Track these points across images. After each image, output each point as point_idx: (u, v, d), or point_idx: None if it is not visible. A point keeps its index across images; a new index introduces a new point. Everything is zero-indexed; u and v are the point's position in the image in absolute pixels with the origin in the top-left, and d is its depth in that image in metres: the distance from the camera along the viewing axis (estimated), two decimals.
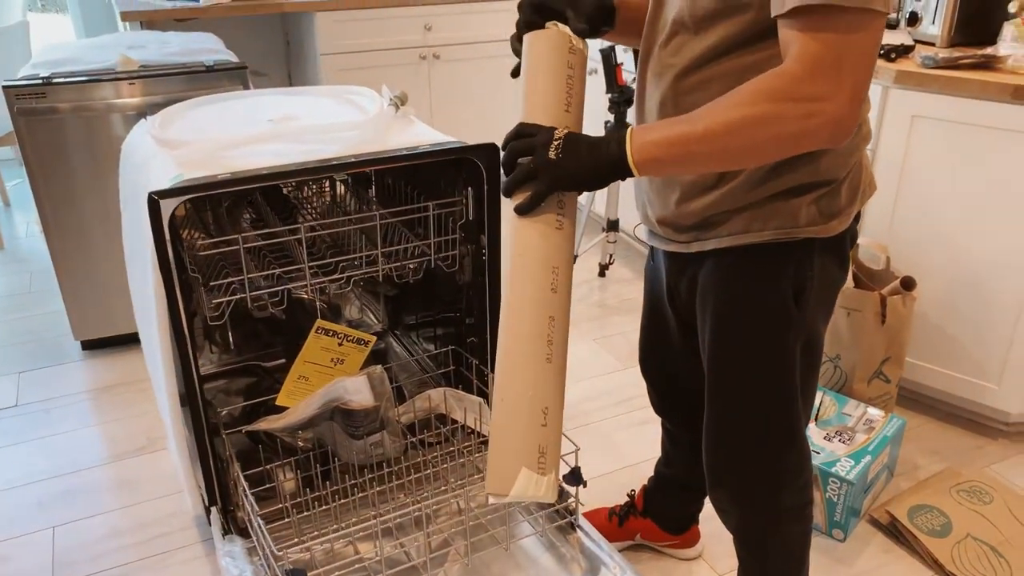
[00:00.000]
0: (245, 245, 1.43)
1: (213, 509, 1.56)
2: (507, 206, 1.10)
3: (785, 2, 0.90)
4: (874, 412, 1.95)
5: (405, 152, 1.45)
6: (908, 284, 2.00)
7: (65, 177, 2.26)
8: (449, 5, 3.41)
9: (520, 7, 1.14)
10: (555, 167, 0.99)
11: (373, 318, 2.26)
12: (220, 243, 1.43)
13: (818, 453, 1.81)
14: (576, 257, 3.05)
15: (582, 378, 2.42)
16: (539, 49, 1.08)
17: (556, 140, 0.99)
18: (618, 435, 2.16)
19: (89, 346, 2.53)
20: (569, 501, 1.49)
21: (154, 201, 1.28)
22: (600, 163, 0.98)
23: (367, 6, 3.23)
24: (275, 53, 3.82)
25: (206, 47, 2.49)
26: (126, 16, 2.92)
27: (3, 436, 2.16)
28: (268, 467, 1.58)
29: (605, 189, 2.75)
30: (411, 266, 1.64)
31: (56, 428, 2.20)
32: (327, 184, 1.98)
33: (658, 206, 1.18)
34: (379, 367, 1.51)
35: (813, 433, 1.88)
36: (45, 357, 2.52)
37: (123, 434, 2.17)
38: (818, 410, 1.95)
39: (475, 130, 3.68)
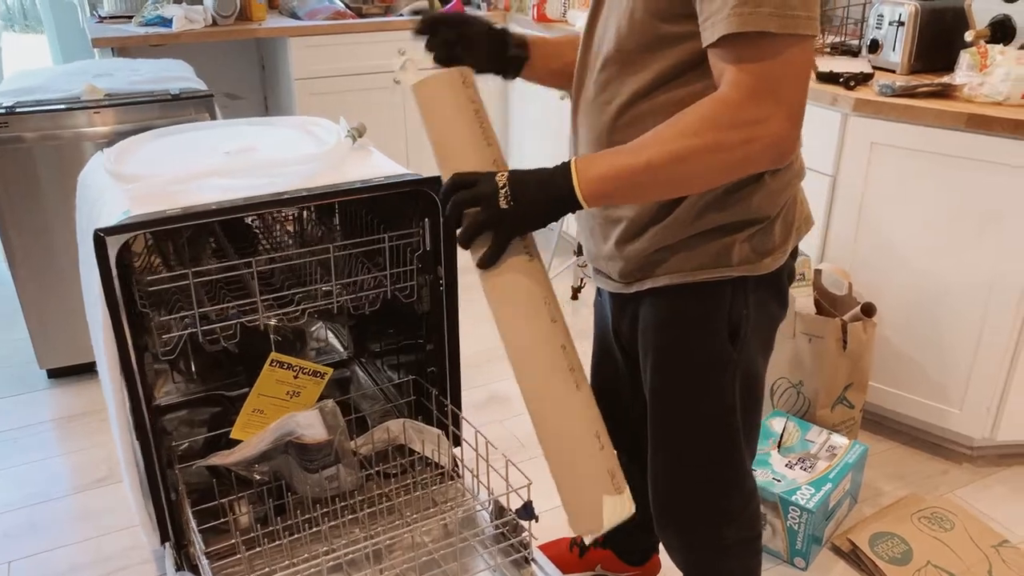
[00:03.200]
0: (196, 279, 1.42)
1: (166, 544, 1.54)
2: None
3: (714, 32, 0.91)
4: (837, 439, 1.95)
5: (356, 185, 1.45)
6: (868, 310, 2.01)
7: (29, 206, 2.26)
8: None
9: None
10: (510, 215, 0.98)
11: (339, 346, 2.25)
12: (168, 278, 1.43)
13: (779, 481, 1.81)
14: None
15: None
16: (439, 97, 1.07)
17: (503, 187, 0.98)
18: None
19: (55, 374, 2.52)
20: (523, 535, 1.48)
21: (100, 238, 1.27)
22: (551, 200, 0.98)
23: (340, 31, 3.25)
24: (251, 77, 3.83)
25: (175, 75, 2.49)
26: (97, 43, 2.92)
27: None
28: (223, 501, 1.57)
29: None
30: (368, 297, 1.63)
31: (20, 458, 2.18)
32: (291, 214, 1.98)
33: (598, 246, 1.19)
34: (331, 401, 1.50)
35: (775, 460, 1.88)
36: (11, 385, 2.50)
37: (86, 464, 2.16)
38: (781, 437, 1.95)
39: None
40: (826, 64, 2.15)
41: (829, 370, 2.01)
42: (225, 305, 1.50)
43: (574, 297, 3.03)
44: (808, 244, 2.20)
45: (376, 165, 1.58)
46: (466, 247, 1.03)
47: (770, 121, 0.90)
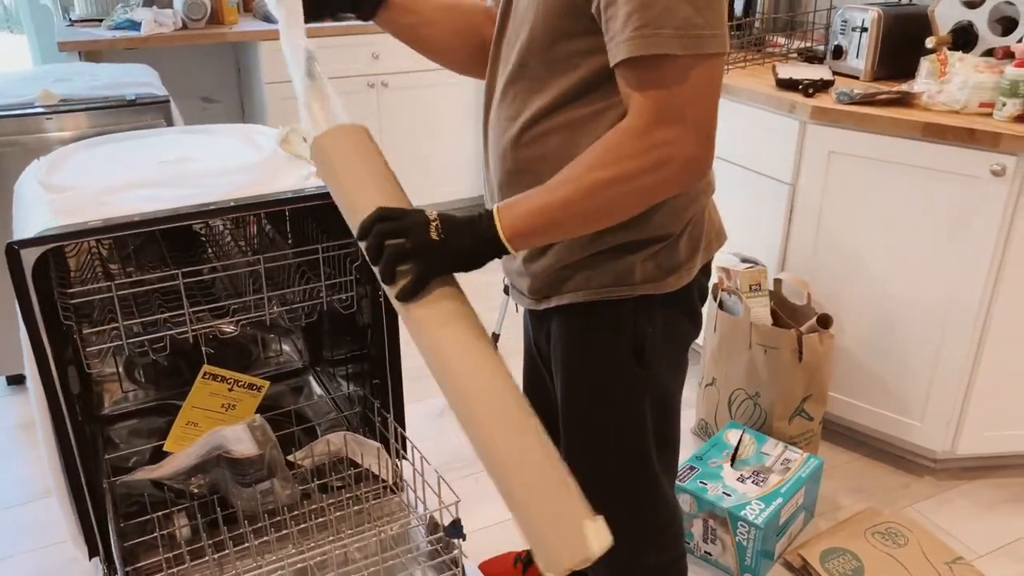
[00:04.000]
0: (121, 291, 1.40)
1: (95, 559, 1.52)
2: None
3: (618, 51, 0.89)
4: (792, 452, 1.92)
5: (281, 196, 1.43)
6: (824, 322, 1.98)
7: None
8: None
9: None
10: (440, 247, 0.93)
11: (295, 354, 2.23)
12: (89, 291, 1.40)
13: (729, 495, 1.78)
14: None
15: None
16: (346, 145, 1.03)
17: (434, 220, 0.94)
18: None
19: (14, 381, 2.50)
20: (454, 553, 1.46)
21: (13, 251, 1.25)
22: (478, 243, 0.94)
23: (313, 36, 3.21)
24: (228, 81, 3.82)
25: (136, 80, 2.47)
26: (64, 46, 2.90)
27: None
28: (156, 515, 1.54)
29: None
30: (304, 309, 1.61)
31: None
32: (238, 223, 1.96)
33: (510, 261, 1.17)
34: (259, 416, 1.48)
35: (727, 474, 1.85)
36: None
37: (37, 474, 2.14)
38: (736, 449, 1.92)
39: (426, 156, 3.67)
40: (787, 71, 2.12)
41: (785, 381, 1.98)
42: (154, 317, 1.47)
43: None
44: (768, 254, 2.17)
45: (308, 177, 1.56)
46: (389, 280, 0.95)
47: (678, 143, 0.89)
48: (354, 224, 0.98)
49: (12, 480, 2.12)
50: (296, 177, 1.55)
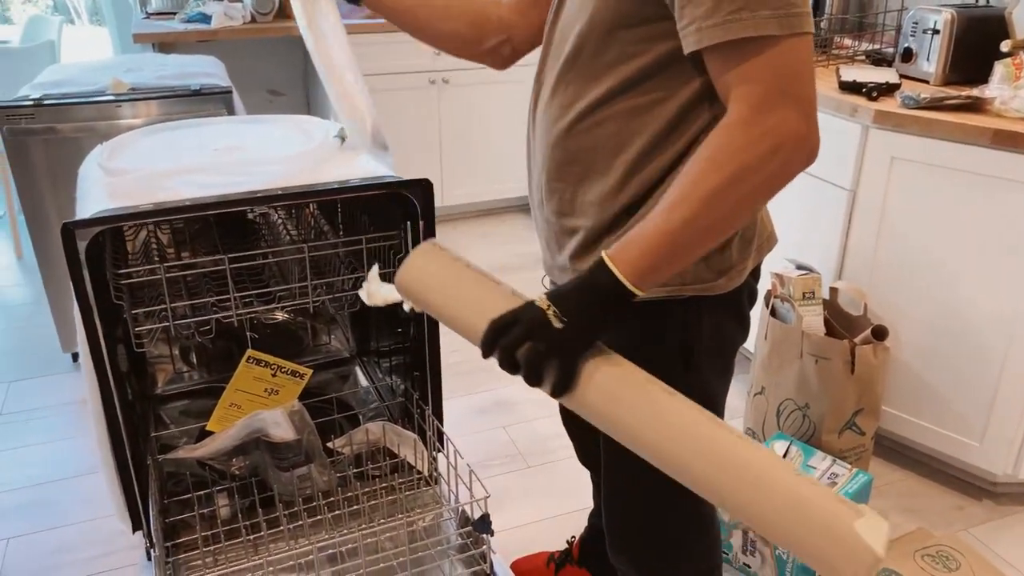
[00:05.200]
0: (170, 274, 1.44)
1: (139, 532, 1.57)
2: None
3: (704, 37, 0.86)
4: (840, 467, 1.86)
5: (326, 187, 1.45)
6: (880, 333, 1.91)
7: (56, 194, 2.33)
8: None
9: None
10: (570, 332, 0.88)
11: (343, 343, 2.26)
12: (140, 272, 1.45)
13: None
14: None
15: (553, 413, 2.38)
16: (426, 269, 0.99)
17: (549, 308, 0.88)
18: (584, 476, 2.11)
19: (77, 358, 2.60)
20: (483, 548, 1.46)
21: (68, 232, 1.30)
22: (602, 303, 0.89)
23: (375, 31, 3.27)
24: (295, 74, 3.90)
25: (202, 71, 2.54)
26: (139, 38, 3.01)
27: None
28: (197, 494, 1.58)
29: None
30: (348, 298, 1.63)
31: (32, 439, 2.25)
32: (291, 211, 1.99)
33: (553, 257, 1.15)
34: (297, 402, 1.50)
35: None
36: (36, 368, 2.59)
37: (92, 449, 2.22)
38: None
39: (482, 152, 3.68)
40: (851, 73, 2.05)
41: (836, 394, 1.91)
42: (201, 300, 1.51)
43: None
44: (824, 261, 2.11)
45: (358, 166, 1.57)
46: (538, 384, 0.91)
47: (788, 125, 0.85)
48: (476, 342, 0.94)
49: (72, 452, 2.20)
50: (344, 167, 1.57)
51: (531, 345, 0.87)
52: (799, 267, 2.01)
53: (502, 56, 1.23)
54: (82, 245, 1.32)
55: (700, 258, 1.03)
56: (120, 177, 1.49)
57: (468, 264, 0.99)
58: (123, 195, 1.40)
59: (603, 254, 0.90)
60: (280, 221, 2.02)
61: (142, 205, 1.35)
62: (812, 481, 0.83)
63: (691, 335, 1.07)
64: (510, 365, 0.89)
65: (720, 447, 0.85)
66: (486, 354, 0.90)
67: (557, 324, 0.88)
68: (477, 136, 3.64)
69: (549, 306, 0.89)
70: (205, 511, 1.58)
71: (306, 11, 1.32)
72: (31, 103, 2.20)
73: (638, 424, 0.89)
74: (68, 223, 1.30)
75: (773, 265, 2.08)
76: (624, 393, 0.89)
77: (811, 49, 0.87)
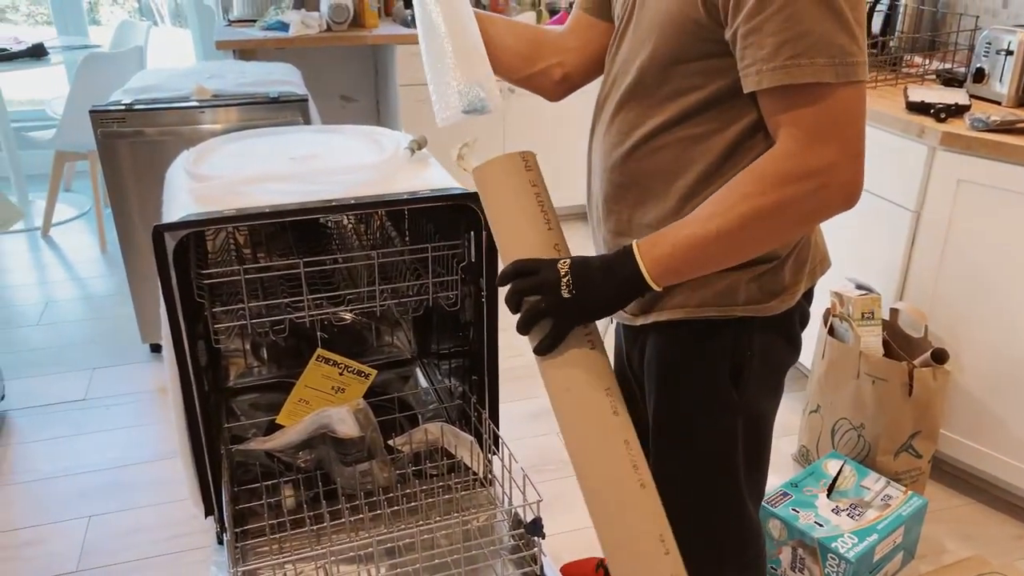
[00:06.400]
0: (247, 275, 1.53)
1: (211, 518, 1.66)
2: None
3: (763, 79, 0.90)
4: (894, 489, 1.85)
5: (396, 197, 1.52)
6: (939, 357, 1.89)
7: (142, 193, 2.47)
8: None
9: None
10: (572, 304, 0.96)
11: (405, 344, 2.34)
12: (220, 273, 1.54)
13: (822, 526, 1.74)
14: None
15: None
16: (499, 181, 1.05)
17: (565, 276, 0.96)
18: None
19: (156, 349, 2.74)
20: (534, 550, 1.50)
21: (158, 234, 1.39)
22: (617, 287, 0.96)
23: None
24: (366, 81, 4.01)
25: (280, 78, 2.66)
26: (220, 45, 3.15)
27: (67, 427, 2.37)
28: (265, 484, 1.67)
29: None
30: (412, 303, 1.70)
31: (113, 424, 2.39)
32: (360, 217, 2.08)
33: None
34: (362, 400, 1.57)
35: (822, 504, 1.81)
36: (116, 356, 2.74)
37: (169, 435, 2.34)
38: (835, 480, 1.87)
39: (548, 161, 3.73)
40: (920, 93, 2.04)
41: (893, 416, 1.91)
42: (276, 301, 1.60)
43: None
44: (885, 281, 2.10)
45: (426, 178, 1.64)
46: (524, 333, 1.00)
47: (836, 167, 0.89)
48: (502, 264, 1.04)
49: (150, 438, 2.33)
50: (414, 179, 1.64)
51: (536, 299, 0.96)
52: (859, 287, 2.01)
53: (553, 80, 1.26)
54: (170, 246, 1.41)
55: (752, 279, 1.06)
56: (205, 182, 1.59)
57: (539, 194, 1.05)
58: (208, 200, 1.50)
59: (633, 243, 0.96)
60: (350, 226, 2.10)
61: (225, 210, 1.44)
62: (666, 552, 0.97)
63: (742, 355, 1.10)
64: (514, 305, 0.98)
65: (622, 487, 0.97)
66: (500, 285, 1.00)
67: (565, 294, 0.95)
68: (539, 145, 3.69)
69: (567, 274, 0.96)
70: (272, 500, 1.67)
71: None
72: (123, 108, 2.34)
73: (566, 429, 1.00)
74: (159, 226, 1.39)
75: (833, 283, 2.08)
76: (578, 386, 0.99)
77: (864, 97, 0.90)
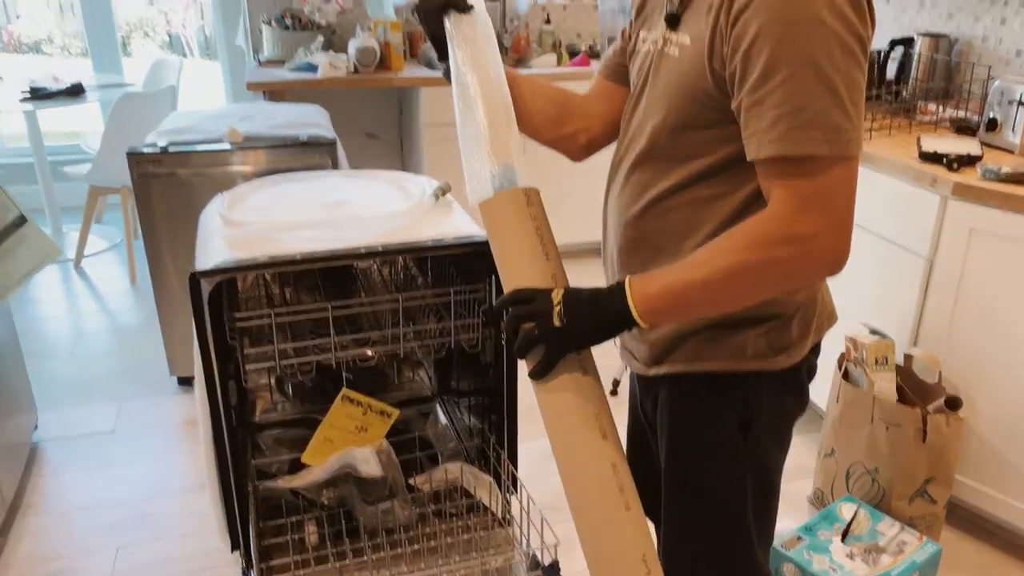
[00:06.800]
0: (277, 319, 1.59)
1: (237, 552, 1.71)
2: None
3: (761, 149, 0.95)
4: (909, 534, 1.87)
5: (422, 244, 1.58)
6: (953, 404, 1.92)
7: (175, 231, 2.55)
8: (550, 81, 3.56)
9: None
10: (563, 333, 1.01)
11: (426, 382, 2.39)
12: (252, 316, 1.60)
13: (836, 571, 1.76)
14: None
15: None
16: (501, 214, 1.11)
17: (556, 305, 1.01)
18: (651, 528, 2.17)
19: (184, 382, 2.81)
20: None
21: (195, 280, 1.46)
22: (605, 320, 1.01)
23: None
24: (390, 119, 4.11)
25: (309, 120, 2.75)
26: (251, 86, 3.25)
27: (96, 458, 2.44)
28: (290, 520, 1.72)
29: None
30: (434, 345, 1.75)
31: (141, 456, 2.45)
32: (386, 261, 2.14)
33: None
34: (385, 441, 1.62)
35: (836, 548, 1.83)
36: (144, 388, 2.81)
37: (195, 467, 2.40)
38: (849, 524, 1.89)
39: (562, 197, 3.79)
40: (932, 143, 2.08)
41: (907, 461, 1.93)
42: (305, 343, 1.66)
43: (613, 392, 2.91)
44: (899, 327, 2.12)
45: (450, 224, 1.70)
46: (521, 358, 1.07)
47: (820, 236, 0.93)
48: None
49: (176, 470, 2.39)
50: (438, 225, 1.70)
51: (531, 326, 1.01)
52: (873, 331, 2.04)
53: (578, 144, 1.32)
54: (206, 291, 1.48)
55: (761, 335, 1.10)
56: (239, 228, 1.65)
57: (539, 227, 1.11)
58: (242, 245, 1.56)
59: (626, 278, 1.01)
60: (376, 267, 2.17)
61: (259, 257, 1.51)
62: (648, 573, 1.01)
63: (751, 408, 1.14)
64: (512, 331, 1.04)
65: (607, 507, 1.03)
66: (497, 314, 1.06)
67: (556, 322, 1.01)
68: (554, 180, 3.75)
69: (559, 303, 1.01)
70: (296, 537, 1.72)
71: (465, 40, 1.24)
72: (159, 150, 2.43)
73: (558, 452, 1.05)
74: (196, 272, 1.46)
75: (847, 328, 2.12)
76: (569, 410, 1.04)
77: (855, 172, 0.94)
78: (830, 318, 1.18)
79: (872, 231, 2.20)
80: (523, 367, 1.10)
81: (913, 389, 2.04)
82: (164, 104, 3.53)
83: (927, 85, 2.55)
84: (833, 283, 1.18)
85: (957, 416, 1.92)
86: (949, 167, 1.99)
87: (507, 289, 1.09)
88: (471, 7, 1.20)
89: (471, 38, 1.19)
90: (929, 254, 2.02)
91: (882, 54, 2.63)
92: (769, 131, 0.93)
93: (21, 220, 2.15)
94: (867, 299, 2.23)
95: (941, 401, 1.92)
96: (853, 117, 0.92)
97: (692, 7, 1.04)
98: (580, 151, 1.34)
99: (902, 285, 2.12)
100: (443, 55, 1.24)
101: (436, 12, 1.21)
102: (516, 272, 1.09)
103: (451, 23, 1.21)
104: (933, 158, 2.03)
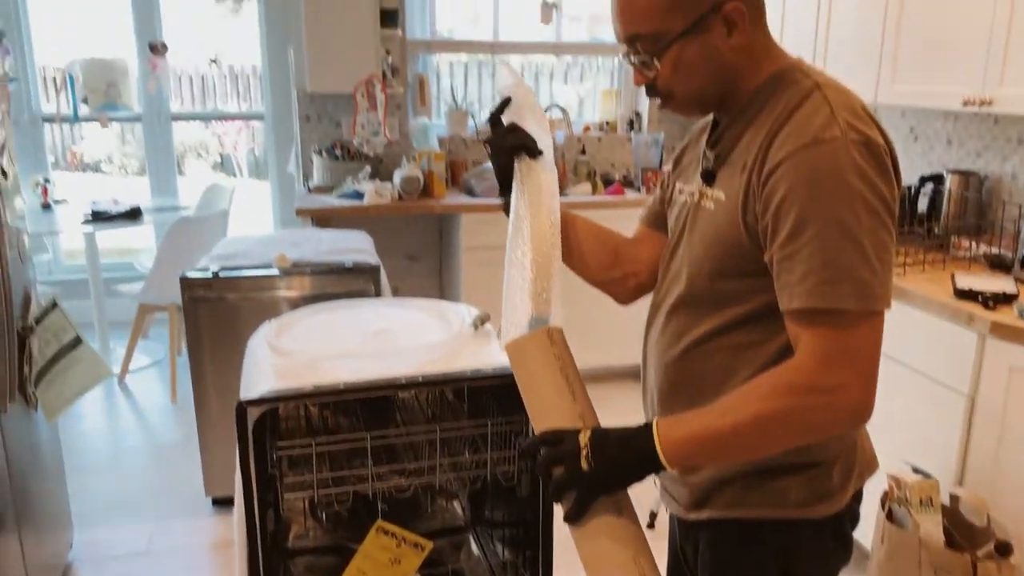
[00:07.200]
0: (318, 449, 1.62)
1: None
2: None
3: (792, 300, 0.99)
4: None
5: (460, 375, 1.62)
6: (1004, 549, 1.85)
7: (222, 354, 2.62)
8: (585, 208, 3.68)
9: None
10: (591, 477, 1.01)
11: (459, 512, 2.37)
12: (295, 446, 1.63)
13: None
14: None
15: None
16: (526, 356, 1.14)
17: (584, 447, 1.01)
18: None
19: (219, 503, 2.81)
20: None
21: (241, 408, 1.50)
22: (633, 462, 1.01)
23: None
24: (431, 242, 4.25)
25: (354, 246, 2.85)
26: (300, 213, 3.40)
27: None
28: None
29: None
30: (470, 476, 1.75)
31: None
32: (425, 392, 2.17)
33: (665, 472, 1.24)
34: (418, 575, 1.60)
35: None
36: (180, 508, 2.82)
37: None
38: None
39: (598, 320, 3.82)
40: (967, 280, 2.10)
41: None
42: (342, 473, 1.67)
43: (650, 526, 2.86)
44: (943, 466, 2.08)
45: (488, 354, 1.74)
46: (556, 502, 1.06)
47: (846, 388, 0.95)
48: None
49: None
50: (477, 355, 1.74)
51: (560, 470, 1.01)
52: (916, 470, 2.00)
53: (626, 289, 1.37)
54: (252, 419, 1.52)
55: (802, 482, 1.10)
56: (285, 357, 1.71)
57: (564, 367, 1.11)
58: (288, 375, 1.61)
59: (654, 421, 1.02)
60: (414, 395, 2.20)
61: (304, 387, 1.55)
62: None
63: (792, 557, 1.13)
64: (544, 475, 1.04)
65: None
66: (526, 457, 1.03)
67: (584, 466, 1.00)
68: (590, 303, 3.80)
69: (586, 445, 1.01)
70: None
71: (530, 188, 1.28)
72: (210, 276, 2.53)
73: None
74: (243, 401, 1.50)
75: (889, 466, 2.08)
76: (606, 557, 1.02)
77: (881, 327, 0.97)
78: (871, 465, 1.18)
79: (910, 367, 2.19)
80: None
81: (961, 532, 1.97)
82: (216, 227, 3.69)
83: (959, 222, 2.59)
84: (873, 420, 1.19)
85: (1009, 563, 1.84)
86: (985, 305, 2.00)
87: (536, 430, 1.10)
88: (541, 152, 1.27)
89: (536, 184, 1.25)
90: (970, 391, 2.00)
91: (912, 189, 2.69)
92: (799, 284, 0.97)
93: (76, 341, 2.23)
94: (908, 436, 2.19)
95: (991, 546, 1.86)
96: (880, 273, 0.96)
97: (727, 165, 1.10)
98: (627, 295, 1.38)
99: (944, 423, 2.09)
100: (505, 189, 1.30)
101: (508, 151, 1.27)
102: (544, 413, 1.10)
103: (520, 165, 1.27)
104: (968, 295, 2.05)
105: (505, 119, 1.30)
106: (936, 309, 2.09)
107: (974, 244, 2.49)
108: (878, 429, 1.23)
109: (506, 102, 1.31)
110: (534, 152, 1.27)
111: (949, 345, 2.05)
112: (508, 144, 1.27)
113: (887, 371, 1.11)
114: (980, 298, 2.02)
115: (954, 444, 2.05)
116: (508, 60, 4.43)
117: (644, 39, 1.06)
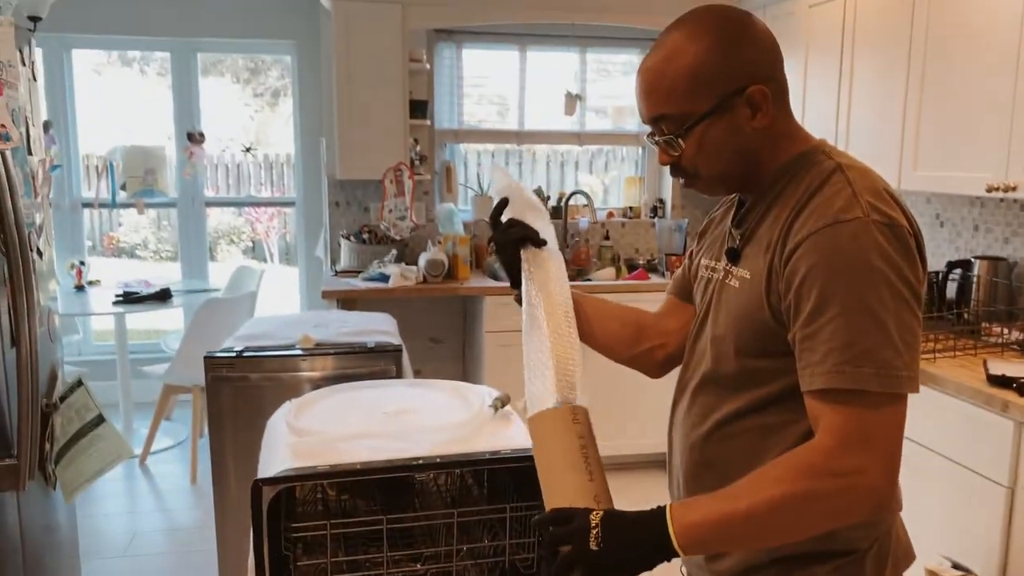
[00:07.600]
0: (333, 531, 1.58)
1: None
2: None
3: (813, 381, 0.97)
4: None
5: (479, 456, 1.59)
6: None
7: (234, 432, 2.61)
8: (609, 292, 3.68)
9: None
10: (600, 557, 0.98)
11: None
12: (309, 527, 1.60)
13: None
14: None
15: None
16: (547, 432, 1.13)
17: (594, 528, 0.98)
18: None
19: None
20: None
21: (257, 487, 1.48)
22: (645, 546, 0.98)
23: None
24: (454, 324, 4.26)
25: (378, 328, 2.86)
26: (327, 295, 3.44)
27: None
28: None
29: None
30: (487, 564, 1.70)
31: None
32: (444, 475, 2.14)
33: (691, 558, 1.20)
34: None
35: None
36: None
37: None
38: None
39: (624, 407, 3.77)
40: (1000, 366, 2.05)
41: None
42: (356, 557, 1.63)
43: None
44: (984, 561, 1.98)
45: (508, 436, 1.70)
46: None
47: (866, 472, 0.93)
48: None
49: None
50: (497, 438, 1.71)
51: (568, 549, 0.98)
52: (955, 566, 1.91)
53: (655, 361, 1.35)
54: (267, 498, 1.50)
55: (832, 571, 1.05)
56: (303, 437, 1.70)
57: (584, 447, 1.09)
58: (305, 455, 1.59)
59: (668, 505, 0.99)
60: (432, 478, 2.16)
61: (320, 467, 1.53)
62: None
63: None
64: (549, 554, 1.00)
65: None
66: (540, 532, 1.03)
67: (593, 545, 0.96)
68: (616, 389, 3.76)
69: (597, 526, 0.97)
70: None
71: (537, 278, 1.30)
72: (234, 355, 2.55)
73: None
74: (259, 480, 1.48)
75: (925, 559, 1.99)
76: None
77: (904, 410, 0.95)
78: (907, 556, 1.13)
79: (944, 455, 2.12)
80: None
81: None
82: (243, 309, 3.74)
83: (989, 308, 2.55)
84: (907, 509, 1.14)
85: None
86: (1020, 392, 1.94)
87: (548, 508, 1.08)
88: (545, 242, 1.29)
89: (545, 273, 1.27)
90: (1009, 482, 1.93)
91: (940, 275, 2.66)
92: (820, 364, 0.95)
93: (99, 420, 2.24)
94: (945, 529, 2.10)
95: None
96: (904, 355, 0.94)
97: (752, 243, 1.10)
98: (657, 368, 1.36)
99: (982, 514, 2.00)
100: (516, 283, 1.31)
101: (513, 245, 1.29)
102: (557, 490, 1.08)
103: (526, 257, 1.29)
104: (1002, 382, 1.99)
105: (504, 218, 1.33)
106: (970, 395, 2.03)
107: (1005, 330, 2.44)
108: (913, 520, 1.18)
109: (504, 202, 1.34)
110: (538, 242, 1.29)
111: (984, 434, 1.99)
112: (512, 237, 1.29)
113: (921, 460, 1.07)
114: (1015, 384, 1.96)
115: (995, 537, 1.96)
116: (533, 149, 4.53)
117: (669, 120, 1.08)
